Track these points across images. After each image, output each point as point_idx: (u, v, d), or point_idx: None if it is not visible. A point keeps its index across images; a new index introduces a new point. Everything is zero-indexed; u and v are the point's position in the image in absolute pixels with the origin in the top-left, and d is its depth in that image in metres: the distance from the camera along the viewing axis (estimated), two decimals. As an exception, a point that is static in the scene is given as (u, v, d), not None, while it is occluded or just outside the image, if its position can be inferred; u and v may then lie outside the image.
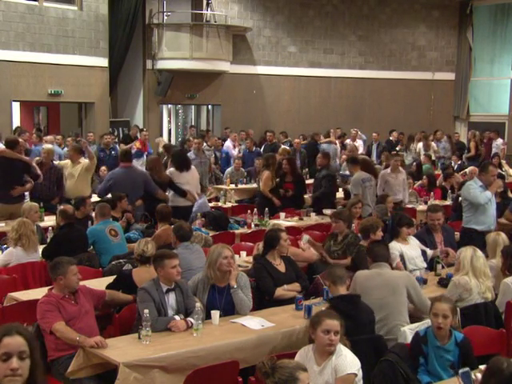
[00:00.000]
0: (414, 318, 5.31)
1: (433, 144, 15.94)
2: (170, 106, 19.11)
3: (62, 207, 7.40)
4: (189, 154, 11.21)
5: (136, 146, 13.51)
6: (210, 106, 19.05)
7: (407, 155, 15.59)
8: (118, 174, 8.77)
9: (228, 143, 14.78)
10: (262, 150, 14.57)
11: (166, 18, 17.17)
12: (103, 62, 15.41)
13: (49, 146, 10.26)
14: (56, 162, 10.04)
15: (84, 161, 9.93)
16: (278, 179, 10.26)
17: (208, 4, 17.29)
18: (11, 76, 13.81)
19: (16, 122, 15.47)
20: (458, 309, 5.15)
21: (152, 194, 8.82)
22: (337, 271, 5.04)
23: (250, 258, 6.72)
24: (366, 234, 6.55)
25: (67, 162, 9.94)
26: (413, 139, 15.98)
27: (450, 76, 20.30)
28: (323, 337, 4.06)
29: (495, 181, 7.70)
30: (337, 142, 15.71)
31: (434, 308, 4.49)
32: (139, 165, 11.96)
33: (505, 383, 3.20)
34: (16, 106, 15.61)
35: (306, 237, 7.08)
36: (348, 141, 16.15)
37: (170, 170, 9.41)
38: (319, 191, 10.07)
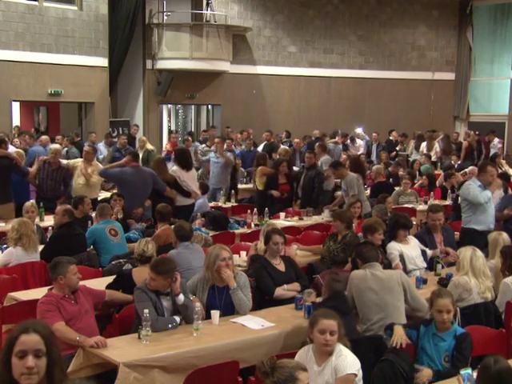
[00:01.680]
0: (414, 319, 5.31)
1: (436, 145, 15.94)
2: (169, 105, 19.12)
3: (61, 207, 7.38)
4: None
5: (166, 148, 12.94)
6: (209, 106, 19.06)
7: (415, 155, 15.56)
8: (128, 173, 8.78)
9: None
10: (261, 149, 14.57)
11: (166, 18, 17.18)
12: (103, 61, 15.42)
13: (56, 145, 10.26)
14: (65, 162, 10.02)
15: (97, 164, 9.89)
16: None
17: (208, 4, 17.28)
18: (11, 76, 13.81)
19: (16, 122, 15.49)
20: (458, 309, 5.15)
21: (161, 191, 8.85)
22: (336, 286, 5.01)
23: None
24: (368, 233, 6.55)
25: (79, 160, 9.90)
26: (423, 138, 15.95)
27: (450, 76, 20.29)
28: (319, 337, 4.07)
29: (495, 180, 7.70)
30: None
31: (436, 305, 4.56)
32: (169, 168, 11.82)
33: (492, 378, 3.23)
34: (16, 106, 15.62)
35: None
36: (348, 141, 16.18)
37: (173, 168, 9.44)
38: (320, 189, 10.20)
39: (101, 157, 13.24)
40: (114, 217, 7.80)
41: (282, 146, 13.68)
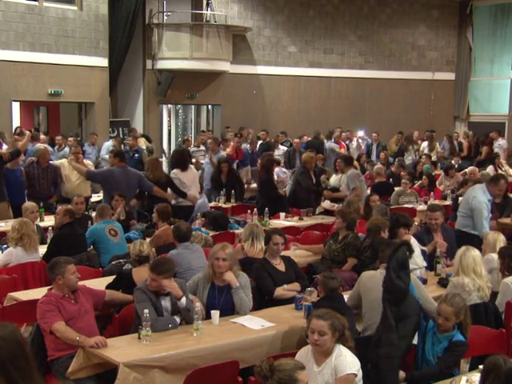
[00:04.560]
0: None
1: (437, 145, 15.96)
2: (169, 105, 19.10)
3: (62, 207, 7.39)
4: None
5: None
6: (209, 106, 19.04)
7: (407, 155, 15.61)
8: (115, 172, 8.81)
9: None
10: (257, 149, 14.60)
11: (166, 18, 17.16)
12: (103, 61, 15.41)
13: (42, 145, 10.27)
14: (51, 162, 10.04)
15: (87, 162, 9.93)
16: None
17: (208, 4, 17.28)
18: (11, 76, 13.80)
19: (16, 122, 15.46)
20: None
21: (149, 191, 8.85)
22: (331, 283, 5.02)
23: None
24: (376, 232, 6.55)
25: (63, 161, 9.94)
26: (411, 140, 15.99)
27: (450, 76, 20.30)
28: (310, 335, 4.09)
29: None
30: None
31: (438, 307, 4.63)
32: None
33: (503, 377, 3.25)
34: (16, 106, 15.60)
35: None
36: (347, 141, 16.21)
37: (174, 171, 9.44)
38: (331, 187, 10.27)
39: (106, 156, 13.35)
40: (115, 217, 7.80)
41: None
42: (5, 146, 10.58)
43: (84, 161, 9.94)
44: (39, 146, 10.21)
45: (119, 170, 8.79)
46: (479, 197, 7.41)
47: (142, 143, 14.38)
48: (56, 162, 10.05)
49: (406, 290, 4.64)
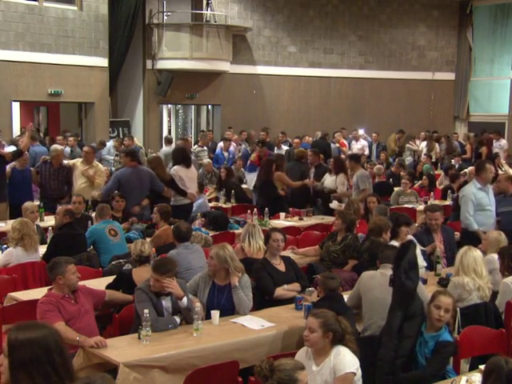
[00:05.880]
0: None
1: (436, 145, 15.96)
2: (169, 105, 19.11)
3: (62, 207, 7.40)
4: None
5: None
6: (209, 106, 19.05)
7: (406, 155, 15.63)
8: (124, 174, 8.76)
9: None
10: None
11: (166, 18, 17.17)
12: (103, 62, 15.42)
13: (58, 146, 10.28)
14: (65, 162, 10.04)
15: (98, 165, 9.86)
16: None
17: (208, 4, 17.29)
18: (11, 76, 13.81)
19: (16, 122, 15.49)
20: (458, 309, 5.15)
21: (159, 191, 8.85)
22: (330, 283, 5.01)
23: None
24: (378, 233, 6.54)
25: (77, 161, 9.89)
26: (408, 138, 16.04)
27: (450, 76, 20.30)
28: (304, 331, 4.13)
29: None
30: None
31: (437, 300, 4.56)
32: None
33: (505, 378, 3.25)
34: (16, 106, 15.62)
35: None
36: (353, 142, 16.20)
37: (175, 167, 9.40)
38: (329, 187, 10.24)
39: (109, 157, 13.35)
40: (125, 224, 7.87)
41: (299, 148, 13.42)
42: (6, 146, 10.58)
43: (94, 162, 9.89)
44: (56, 146, 10.24)
45: (130, 170, 8.76)
46: (467, 188, 7.65)
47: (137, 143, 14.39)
48: (70, 162, 10.02)
49: (415, 289, 4.66)
